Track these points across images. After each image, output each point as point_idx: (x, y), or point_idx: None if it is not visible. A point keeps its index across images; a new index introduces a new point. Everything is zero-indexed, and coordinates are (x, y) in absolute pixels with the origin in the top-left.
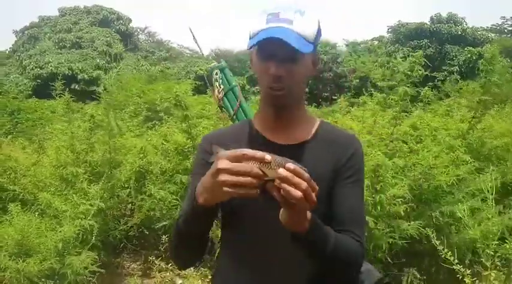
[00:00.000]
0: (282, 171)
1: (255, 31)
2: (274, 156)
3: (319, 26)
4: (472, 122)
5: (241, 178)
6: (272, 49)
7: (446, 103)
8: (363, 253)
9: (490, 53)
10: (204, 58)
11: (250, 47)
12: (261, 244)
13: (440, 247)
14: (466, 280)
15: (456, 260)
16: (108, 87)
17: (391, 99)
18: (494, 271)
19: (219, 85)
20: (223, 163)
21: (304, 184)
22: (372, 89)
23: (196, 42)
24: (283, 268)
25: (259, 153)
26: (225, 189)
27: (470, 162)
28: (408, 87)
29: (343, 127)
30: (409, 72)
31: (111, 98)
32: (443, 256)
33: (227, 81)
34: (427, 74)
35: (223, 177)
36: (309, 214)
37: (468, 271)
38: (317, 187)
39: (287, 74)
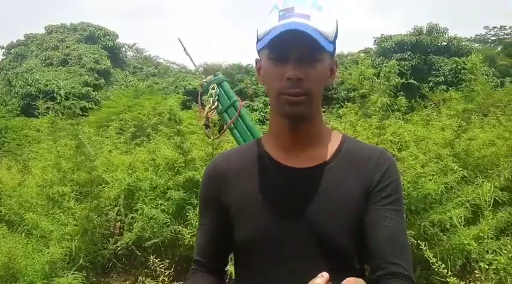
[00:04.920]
0: None
1: (266, 30)
2: None
3: (337, 26)
4: (458, 131)
5: None
6: (288, 48)
7: (425, 113)
8: None
9: (471, 62)
10: (195, 71)
11: (260, 49)
12: None
13: (433, 259)
14: None
15: (450, 273)
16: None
17: (369, 109)
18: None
19: (213, 102)
20: None
21: None
22: (357, 101)
23: (187, 53)
24: None
25: None
26: None
27: (459, 171)
28: (384, 95)
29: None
30: (385, 82)
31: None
32: (436, 268)
33: (227, 97)
34: (415, 85)
35: None
36: None
37: (462, 283)
38: None
39: (306, 77)
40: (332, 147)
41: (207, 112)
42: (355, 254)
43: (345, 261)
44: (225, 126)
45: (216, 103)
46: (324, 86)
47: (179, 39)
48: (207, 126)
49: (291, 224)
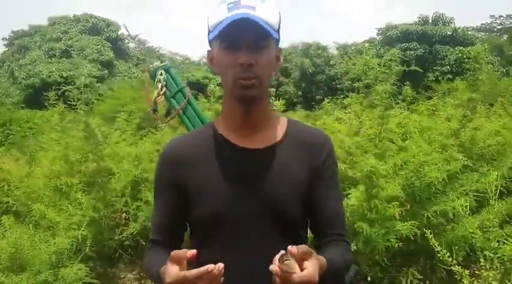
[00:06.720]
0: None
1: (216, 22)
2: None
3: (280, 17)
4: (463, 121)
5: None
6: (239, 36)
7: (431, 103)
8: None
9: (475, 51)
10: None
11: (212, 39)
12: (233, 255)
13: (438, 248)
14: (464, 280)
15: (454, 261)
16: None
17: (374, 99)
18: (493, 272)
19: (162, 87)
20: None
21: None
22: (361, 91)
23: (128, 32)
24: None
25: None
26: None
27: (462, 160)
28: (385, 84)
29: (311, 124)
30: (386, 71)
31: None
32: (441, 257)
33: (175, 83)
34: (420, 74)
35: None
36: (322, 261)
37: (467, 272)
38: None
39: (256, 63)
40: (280, 129)
41: (155, 97)
42: (302, 225)
43: (293, 232)
44: (173, 112)
45: (164, 89)
46: (272, 72)
47: (124, 25)
48: (154, 111)
49: (246, 202)
